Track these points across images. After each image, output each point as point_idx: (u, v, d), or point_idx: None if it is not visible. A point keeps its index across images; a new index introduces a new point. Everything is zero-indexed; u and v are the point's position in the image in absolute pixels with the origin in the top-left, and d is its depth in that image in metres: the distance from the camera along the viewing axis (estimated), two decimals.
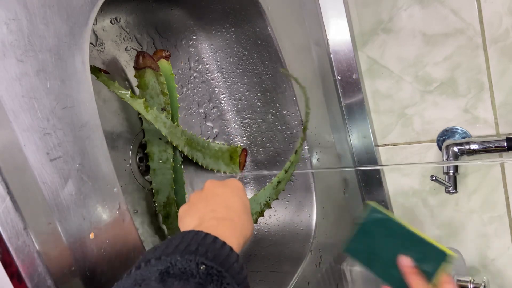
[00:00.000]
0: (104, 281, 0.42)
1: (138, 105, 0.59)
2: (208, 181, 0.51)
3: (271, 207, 0.66)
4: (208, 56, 0.78)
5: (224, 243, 0.37)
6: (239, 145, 0.81)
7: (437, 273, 0.53)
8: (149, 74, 0.62)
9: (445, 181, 0.78)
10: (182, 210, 0.48)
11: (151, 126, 0.64)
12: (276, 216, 0.81)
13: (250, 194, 0.83)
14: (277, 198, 0.65)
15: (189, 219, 0.45)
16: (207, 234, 0.38)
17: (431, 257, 0.54)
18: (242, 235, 0.43)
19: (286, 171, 0.62)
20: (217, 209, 0.45)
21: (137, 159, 0.68)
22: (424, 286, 0.52)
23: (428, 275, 0.53)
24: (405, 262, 0.54)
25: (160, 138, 0.66)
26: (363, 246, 0.58)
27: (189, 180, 0.75)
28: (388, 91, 0.85)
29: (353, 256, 0.59)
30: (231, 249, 0.37)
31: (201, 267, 0.34)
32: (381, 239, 0.57)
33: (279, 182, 0.63)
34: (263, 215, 0.65)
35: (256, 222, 0.66)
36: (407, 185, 0.90)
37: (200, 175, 0.77)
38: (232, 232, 0.42)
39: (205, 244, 0.36)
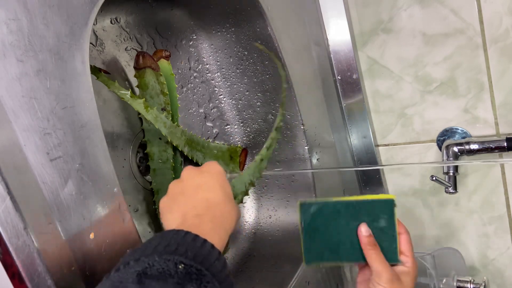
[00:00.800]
0: None
1: (138, 105, 0.59)
2: (185, 169, 0.49)
3: (255, 186, 0.65)
4: (208, 56, 0.78)
5: (204, 241, 0.37)
6: (239, 145, 0.81)
7: (395, 222, 0.53)
8: (149, 74, 0.62)
9: (445, 181, 0.78)
10: (162, 203, 0.47)
11: (151, 126, 0.64)
12: (276, 216, 0.81)
13: (251, 198, 0.83)
14: (261, 177, 0.64)
15: (171, 216, 0.45)
16: (187, 233, 0.37)
17: (382, 211, 0.54)
18: (224, 229, 0.43)
19: (268, 149, 0.61)
20: (198, 205, 0.44)
21: (137, 159, 0.68)
22: (381, 258, 0.51)
23: (389, 229, 0.53)
24: (364, 231, 0.53)
25: (160, 138, 0.66)
26: (317, 246, 0.55)
27: None
28: (388, 91, 0.85)
29: (317, 262, 0.56)
30: (212, 246, 0.37)
31: (180, 267, 0.33)
32: (328, 227, 0.55)
33: (261, 160, 0.62)
34: (248, 194, 0.64)
35: (241, 201, 0.65)
36: (407, 185, 0.90)
37: None
38: (214, 228, 0.42)
39: (185, 243, 0.36)
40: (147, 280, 0.32)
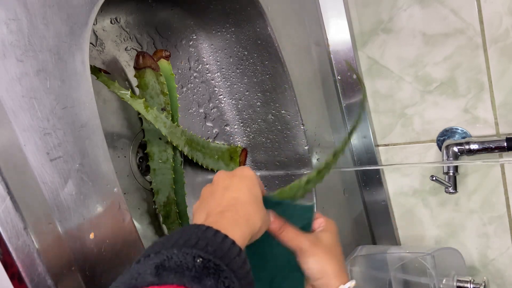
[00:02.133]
0: (104, 281, 0.42)
1: (138, 105, 0.59)
2: (217, 173, 0.49)
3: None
4: (208, 56, 0.78)
5: (225, 237, 0.37)
6: (239, 145, 0.81)
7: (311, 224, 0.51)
8: (149, 74, 0.62)
9: (445, 181, 0.78)
10: (194, 207, 0.47)
11: (151, 126, 0.64)
12: None
13: None
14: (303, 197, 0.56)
15: (198, 216, 0.45)
16: (208, 228, 0.37)
17: (301, 216, 0.51)
18: (248, 226, 0.42)
19: (318, 172, 0.56)
20: (222, 203, 0.44)
21: (137, 159, 0.68)
22: (293, 233, 0.48)
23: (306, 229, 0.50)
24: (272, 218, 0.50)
25: (160, 138, 0.66)
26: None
27: (189, 180, 0.75)
28: (388, 91, 0.85)
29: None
30: (233, 242, 0.37)
31: (198, 260, 0.33)
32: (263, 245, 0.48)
33: (308, 182, 0.55)
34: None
35: None
36: (407, 185, 0.90)
37: (200, 175, 0.77)
38: (236, 225, 0.41)
39: (205, 237, 0.36)
40: (165, 272, 0.32)
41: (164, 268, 0.33)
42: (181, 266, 0.33)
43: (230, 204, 0.44)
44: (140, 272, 0.32)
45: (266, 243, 0.48)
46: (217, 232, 0.37)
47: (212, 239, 0.36)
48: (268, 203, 0.49)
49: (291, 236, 0.49)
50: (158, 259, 0.33)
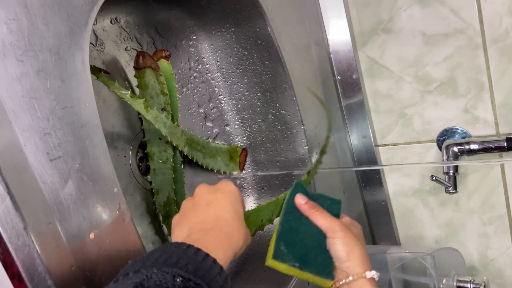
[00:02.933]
0: (104, 281, 0.42)
1: (138, 105, 0.59)
2: (198, 186, 0.49)
3: (272, 223, 0.59)
4: (208, 56, 0.78)
5: (207, 255, 0.37)
6: (239, 145, 0.81)
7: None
8: (149, 74, 0.62)
9: (445, 181, 0.78)
10: (174, 220, 0.47)
11: (151, 126, 0.64)
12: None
13: (251, 198, 0.83)
14: (278, 216, 0.58)
15: (178, 230, 0.45)
16: (189, 246, 0.37)
17: (330, 207, 0.54)
18: (230, 246, 0.42)
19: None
20: (205, 220, 0.44)
21: (137, 159, 0.68)
22: (327, 215, 0.52)
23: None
24: (301, 199, 0.53)
25: (160, 138, 0.66)
26: (291, 242, 0.51)
27: (189, 180, 0.75)
28: (388, 91, 0.85)
29: (284, 262, 0.50)
30: (214, 261, 0.36)
31: (178, 280, 0.33)
32: (304, 225, 0.52)
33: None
34: (262, 230, 0.60)
35: (253, 235, 0.60)
36: (407, 185, 0.90)
37: (200, 175, 0.77)
38: (219, 243, 0.41)
39: (186, 256, 0.36)
40: None
41: (143, 287, 0.32)
42: (161, 285, 0.32)
43: (213, 221, 0.44)
44: None
45: (300, 221, 0.52)
46: (198, 250, 0.37)
47: (192, 258, 0.36)
48: (300, 189, 0.54)
49: (324, 216, 0.52)
50: (137, 278, 0.33)
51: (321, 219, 0.51)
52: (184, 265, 0.35)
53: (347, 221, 0.54)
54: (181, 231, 0.44)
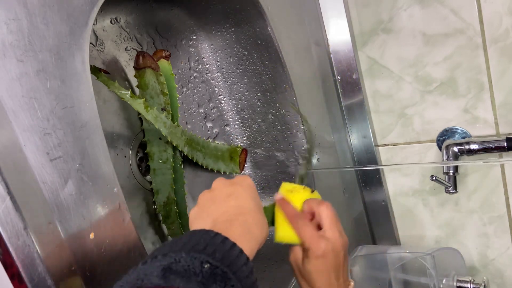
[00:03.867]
0: (104, 281, 0.42)
1: (138, 105, 0.59)
2: (216, 180, 0.49)
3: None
4: (208, 56, 0.78)
5: (234, 244, 0.37)
6: (239, 145, 0.81)
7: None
8: (149, 74, 0.62)
9: (445, 181, 0.78)
10: (192, 213, 0.47)
11: (151, 126, 0.64)
12: None
13: None
14: None
15: (201, 223, 0.44)
16: (217, 234, 0.37)
17: None
18: (254, 237, 0.42)
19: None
20: (229, 210, 0.44)
21: (137, 159, 0.68)
22: (312, 232, 0.48)
23: None
24: (279, 196, 0.51)
25: (160, 138, 0.66)
26: None
27: (189, 180, 0.75)
28: (388, 91, 0.85)
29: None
30: (241, 251, 0.37)
31: (205, 266, 0.33)
32: None
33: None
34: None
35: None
36: (407, 185, 0.90)
37: (200, 175, 0.77)
38: (245, 234, 0.41)
39: (214, 243, 0.36)
40: (172, 276, 0.32)
41: (171, 271, 0.32)
42: (189, 270, 0.32)
43: (237, 212, 0.44)
44: (147, 273, 0.32)
45: None
46: (225, 239, 0.37)
47: (220, 246, 0.36)
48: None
49: (308, 230, 0.48)
50: (166, 261, 0.33)
51: (304, 232, 0.48)
52: (211, 252, 0.35)
53: (333, 237, 0.49)
54: (205, 222, 0.44)
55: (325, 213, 0.50)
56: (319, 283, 0.48)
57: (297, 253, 0.50)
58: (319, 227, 0.50)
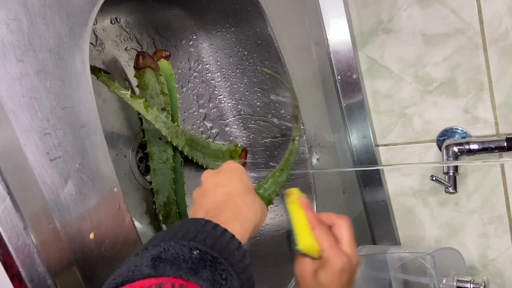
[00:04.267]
0: (104, 281, 0.42)
1: (138, 105, 0.59)
2: (203, 173, 0.49)
3: (278, 195, 0.63)
4: (208, 56, 0.78)
5: (224, 230, 0.37)
6: (239, 145, 0.81)
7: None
8: (149, 74, 0.62)
9: (445, 181, 0.78)
10: (190, 212, 0.47)
11: (151, 126, 0.64)
12: (276, 216, 0.81)
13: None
14: (283, 187, 0.62)
15: (196, 217, 0.45)
16: (207, 221, 0.37)
17: None
18: (246, 219, 0.42)
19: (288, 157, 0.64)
20: (218, 198, 0.44)
21: (137, 159, 0.68)
22: (331, 241, 0.48)
23: None
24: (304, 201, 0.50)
25: (160, 138, 0.66)
26: None
27: (189, 180, 0.75)
28: (388, 91, 0.85)
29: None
30: (232, 236, 0.37)
31: (195, 252, 0.33)
32: None
33: (282, 170, 0.63)
34: (272, 203, 0.62)
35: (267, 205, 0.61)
36: (407, 185, 0.90)
37: (200, 175, 0.77)
38: (234, 217, 0.41)
39: (204, 231, 0.36)
40: (161, 264, 0.32)
41: (161, 260, 0.33)
42: (178, 258, 0.33)
43: (226, 198, 0.44)
44: (137, 264, 0.33)
45: None
46: (216, 225, 0.37)
47: (211, 233, 0.36)
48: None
49: (329, 240, 0.47)
50: (155, 251, 0.33)
51: (327, 243, 0.48)
52: (202, 239, 0.35)
53: (351, 253, 0.49)
54: (199, 216, 0.44)
55: (346, 227, 0.50)
56: None
57: (306, 265, 0.49)
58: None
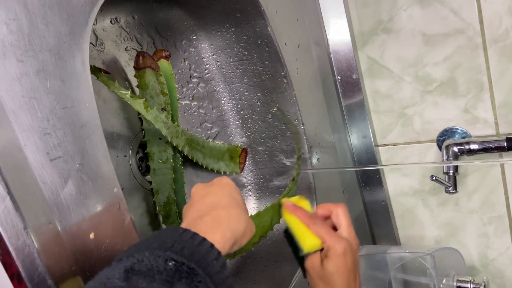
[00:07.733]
0: None
1: (138, 105, 0.59)
2: (194, 186, 0.49)
3: (272, 230, 0.63)
4: (208, 56, 0.78)
5: (203, 239, 0.36)
6: (239, 145, 0.81)
7: None
8: (149, 74, 0.62)
9: (445, 181, 0.78)
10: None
11: (151, 126, 0.64)
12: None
13: (251, 197, 0.83)
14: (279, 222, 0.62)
15: None
16: (185, 230, 0.36)
17: None
18: (229, 229, 0.41)
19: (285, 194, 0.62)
20: (202, 208, 0.43)
21: (137, 159, 0.68)
22: (327, 229, 0.50)
23: None
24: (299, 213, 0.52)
25: (160, 138, 0.66)
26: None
27: (189, 180, 0.75)
28: (388, 91, 0.85)
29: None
30: (211, 245, 0.36)
31: (170, 263, 0.32)
32: None
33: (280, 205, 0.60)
34: (265, 236, 0.62)
35: (259, 241, 0.61)
36: (407, 185, 0.90)
37: (200, 175, 0.77)
38: (217, 227, 0.40)
39: (182, 240, 0.35)
40: (134, 277, 0.31)
41: (134, 271, 0.31)
42: (152, 269, 0.31)
43: (210, 208, 0.43)
44: (109, 276, 0.31)
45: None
46: (194, 235, 0.36)
47: (189, 242, 0.35)
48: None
49: (327, 231, 0.50)
50: (129, 262, 0.32)
51: (323, 232, 0.50)
52: (179, 249, 0.34)
53: (350, 236, 0.52)
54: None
55: (343, 213, 0.52)
56: (339, 284, 0.48)
57: (314, 258, 0.50)
58: (334, 229, 0.52)
